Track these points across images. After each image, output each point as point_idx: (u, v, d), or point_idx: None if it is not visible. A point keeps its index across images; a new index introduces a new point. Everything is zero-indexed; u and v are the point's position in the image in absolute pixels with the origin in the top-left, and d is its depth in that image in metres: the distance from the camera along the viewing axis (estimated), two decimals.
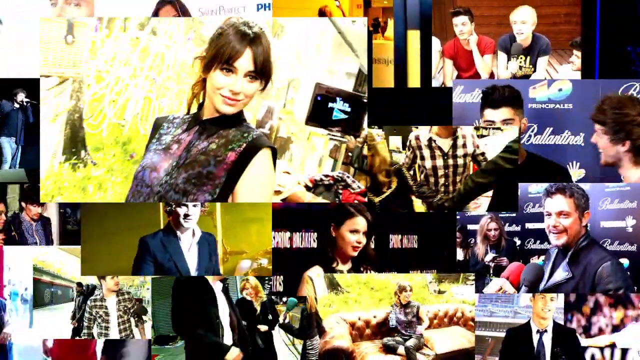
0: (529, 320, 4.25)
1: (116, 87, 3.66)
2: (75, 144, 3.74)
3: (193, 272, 3.70)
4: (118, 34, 3.58)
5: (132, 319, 4.28)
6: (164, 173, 2.78)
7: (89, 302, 4.21)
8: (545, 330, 4.19)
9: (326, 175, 3.90)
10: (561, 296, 4.23)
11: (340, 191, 3.87)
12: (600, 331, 4.33)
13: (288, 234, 4.19)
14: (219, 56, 2.73)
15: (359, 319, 4.28)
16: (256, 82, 2.80)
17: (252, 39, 2.75)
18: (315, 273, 4.10)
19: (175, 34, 3.74)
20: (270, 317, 4.19)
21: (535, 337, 4.19)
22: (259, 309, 4.18)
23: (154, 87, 3.69)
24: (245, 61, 2.73)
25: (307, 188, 3.89)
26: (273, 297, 4.23)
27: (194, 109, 2.93)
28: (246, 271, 4.07)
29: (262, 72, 2.78)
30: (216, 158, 2.74)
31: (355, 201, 3.89)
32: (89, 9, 3.97)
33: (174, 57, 3.71)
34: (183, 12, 4.25)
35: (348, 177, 3.89)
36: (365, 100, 3.78)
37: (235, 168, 2.72)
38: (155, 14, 4.27)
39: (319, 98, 3.73)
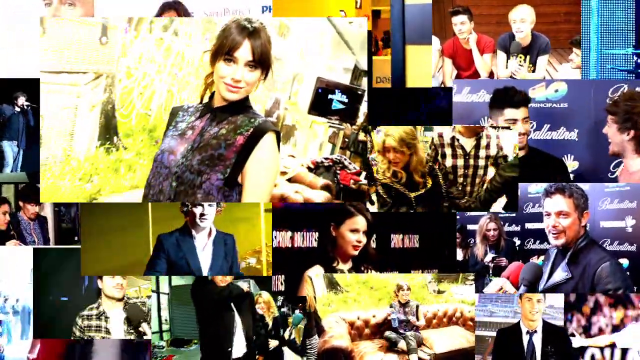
0: (518, 321, 4.26)
1: (143, 81, 4.06)
2: (108, 130, 4.08)
3: (205, 272, 3.83)
4: (145, 35, 3.97)
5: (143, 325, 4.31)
6: (180, 156, 3.03)
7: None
8: (535, 331, 4.19)
9: (326, 158, 4.21)
10: (561, 296, 4.23)
11: (338, 172, 4.15)
12: (600, 331, 4.32)
13: (289, 233, 4.29)
14: (221, 48, 3.00)
15: (358, 319, 4.28)
16: (256, 71, 3.03)
17: (251, 32, 3.00)
18: (315, 273, 4.11)
19: (194, 35, 4.13)
20: (281, 332, 4.26)
21: (525, 338, 4.20)
22: (270, 323, 4.25)
23: (175, 82, 4.14)
24: (244, 52, 2.98)
25: (309, 169, 4.18)
26: (284, 311, 4.31)
27: (206, 99, 3.19)
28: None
29: (261, 62, 3.02)
30: (226, 141, 3.00)
31: (352, 181, 4.13)
32: (84, 9, 4.11)
33: (193, 55, 4.12)
34: (186, 16, 4.39)
35: (345, 159, 4.18)
36: (360, 92, 4.08)
37: (244, 150, 2.98)
38: (159, 17, 4.37)
39: (319, 90, 4.04)
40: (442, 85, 4.82)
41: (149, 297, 4.25)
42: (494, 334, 4.39)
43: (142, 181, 3.85)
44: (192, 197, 3.00)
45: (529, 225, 4.50)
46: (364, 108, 4.07)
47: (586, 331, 4.33)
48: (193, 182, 2.99)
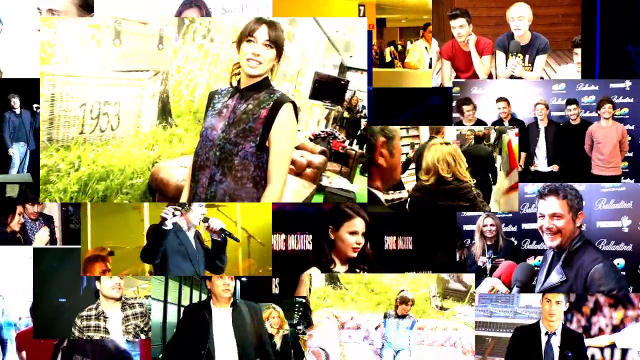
0: (538, 321, 4.25)
1: (189, 76, 5.09)
2: (164, 113, 5.03)
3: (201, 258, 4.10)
4: (189, 42, 4.97)
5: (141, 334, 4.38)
6: (220, 131, 3.62)
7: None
8: (554, 333, 4.18)
9: (322, 131, 5.23)
10: (561, 296, 4.23)
11: (331, 141, 5.14)
12: (600, 331, 4.33)
13: (283, 236, 4.49)
14: (244, 33, 3.59)
15: (352, 319, 4.30)
16: (272, 50, 3.59)
17: (266, 21, 3.61)
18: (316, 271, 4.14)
19: (225, 41, 5.16)
20: (292, 353, 4.26)
21: (544, 339, 4.19)
22: (278, 342, 4.23)
23: (212, 76, 5.12)
24: (261, 33, 3.56)
25: (310, 139, 5.10)
26: (298, 328, 4.34)
27: (234, 84, 3.76)
28: None
29: (275, 43, 3.58)
30: (253, 115, 3.58)
31: (340, 147, 5.11)
32: (68, 17, 4.57)
33: (225, 56, 5.13)
34: (207, 14, 4.79)
35: (336, 131, 5.23)
36: (344, 82, 4.92)
37: (268, 121, 3.56)
38: (179, 14, 4.74)
39: (316, 82, 4.96)
40: (441, 87, 4.85)
41: (147, 297, 4.36)
42: (493, 334, 4.40)
43: (189, 149, 4.81)
44: (231, 162, 3.57)
45: (525, 226, 4.52)
46: (348, 95, 4.95)
47: (586, 331, 4.35)
48: (231, 152, 3.56)
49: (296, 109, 3.67)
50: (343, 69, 5.37)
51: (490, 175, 4.70)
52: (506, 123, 4.76)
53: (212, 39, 5.22)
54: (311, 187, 5.01)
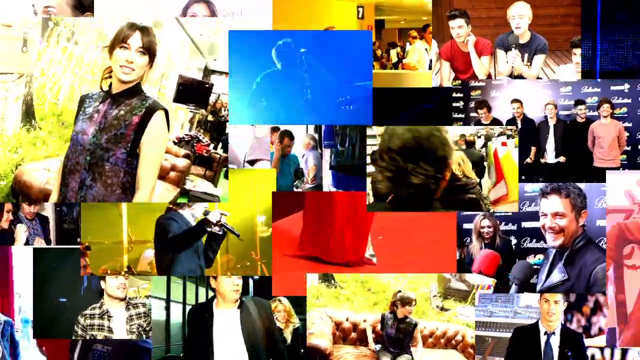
0: (537, 321, 4.26)
1: (53, 79, 5.07)
2: (28, 115, 5.00)
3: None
4: (53, 45, 5.00)
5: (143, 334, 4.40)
6: (91, 135, 3.69)
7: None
8: (553, 333, 4.20)
9: (186, 134, 5.22)
10: (559, 296, 4.23)
11: (195, 144, 5.17)
12: (600, 331, 4.32)
13: None
14: (117, 38, 3.72)
15: (347, 320, 4.23)
16: (145, 57, 3.72)
17: (140, 27, 3.74)
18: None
19: (90, 44, 5.12)
20: (302, 350, 4.22)
21: (543, 339, 4.21)
22: (289, 337, 4.22)
23: (76, 78, 5.10)
24: (135, 40, 3.70)
25: (174, 142, 5.09)
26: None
27: (105, 88, 3.84)
28: (150, 260, 4.39)
29: (148, 50, 3.73)
30: (125, 122, 3.67)
31: (204, 150, 5.13)
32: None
33: (89, 59, 5.13)
34: (212, 12, 4.89)
35: (200, 135, 5.23)
36: (208, 86, 5.04)
37: (139, 128, 3.66)
38: (186, 9, 4.88)
39: (180, 86, 5.03)
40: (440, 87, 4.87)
41: (147, 297, 4.41)
42: (493, 334, 4.39)
43: (53, 152, 4.89)
44: (101, 168, 3.65)
45: (525, 224, 4.52)
46: (212, 98, 5.07)
47: (586, 331, 4.34)
48: (102, 157, 3.65)
49: (168, 117, 3.80)
50: (207, 72, 5.42)
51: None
52: (519, 122, 4.84)
53: (77, 42, 5.26)
54: (175, 191, 5.04)
